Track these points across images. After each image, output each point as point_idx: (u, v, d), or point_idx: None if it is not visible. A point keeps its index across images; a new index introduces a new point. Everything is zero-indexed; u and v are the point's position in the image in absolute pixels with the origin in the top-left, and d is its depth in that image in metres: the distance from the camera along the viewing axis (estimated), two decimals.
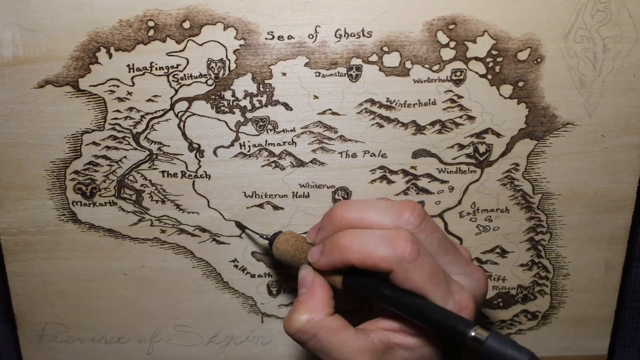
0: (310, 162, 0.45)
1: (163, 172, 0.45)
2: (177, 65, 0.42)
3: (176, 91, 0.43)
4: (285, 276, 0.49)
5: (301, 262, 0.41)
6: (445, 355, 0.38)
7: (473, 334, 0.33)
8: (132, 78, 0.42)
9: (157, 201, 0.46)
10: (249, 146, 0.44)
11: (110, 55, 0.42)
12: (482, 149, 0.45)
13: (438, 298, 0.36)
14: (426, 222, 0.37)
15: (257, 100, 0.43)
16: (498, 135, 0.44)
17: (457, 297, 0.37)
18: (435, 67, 0.43)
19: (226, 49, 0.42)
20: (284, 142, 0.44)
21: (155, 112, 0.43)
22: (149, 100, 0.43)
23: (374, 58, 0.42)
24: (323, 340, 0.37)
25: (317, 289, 0.39)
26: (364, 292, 0.38)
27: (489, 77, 0.43)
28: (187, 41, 0.41)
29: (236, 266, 0.48)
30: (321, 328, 0.37)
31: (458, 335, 0.34)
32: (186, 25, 0.41)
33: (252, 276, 0.49)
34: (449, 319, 0.35)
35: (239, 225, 0.47)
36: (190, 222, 0.47)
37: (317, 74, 0.42)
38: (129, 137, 0.44)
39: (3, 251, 0.47)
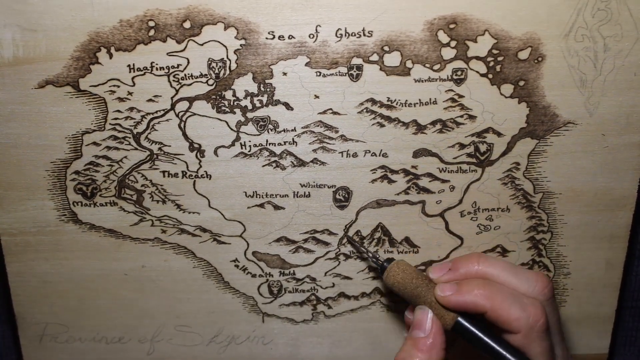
0: (311, 161, 0.45)
1: (164, 172, 0.45)
2: (178, 65, 0.42)
3: (177, 91, 0.43)
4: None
5: (415, 297, 0.41)
6: None
7: None
8: (132, 78, 0.42)
9: (157, 201, 0.46)
10: (250, 146, 0.44)
11: (111, 55, 0.41)
12: (482, 148, 0.45)
13: None
14: (554, 298, 0.40)
15: (257, 100, 0.43)
16: (499, 134, 0.44)
17: None
18: (436, 67, 0.42)
19: (227, 49, 0.42)
20: (285, 142, 0.44)
21: (156, 112, 0.43)
22: (150, 100, 0.43)
23: (375, 57, 0.42)
24: None
25: (437, 337, 0.39)
26: (473, 340, 0.39)
27: (490, 76, 0.43)
28: (188, 41, 0.41)
29: (237, 266, 0.48)
30: None
31: None
32: (187, 25, 0.41)
33: (253, 276, 0.49)
34: None
35: (350, 240, 0.47)
36: (191, 222, 0.47)
37: (318, 74, 0.42)
38: (130, 137, 0.44)
39: (3, 251, 0.47)
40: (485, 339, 0.39)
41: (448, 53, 0.42)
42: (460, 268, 0.41)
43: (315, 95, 0.43)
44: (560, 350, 0.41)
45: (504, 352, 0.38)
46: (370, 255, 0.46)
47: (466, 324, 0.39)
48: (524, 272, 0.40)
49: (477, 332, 0.39)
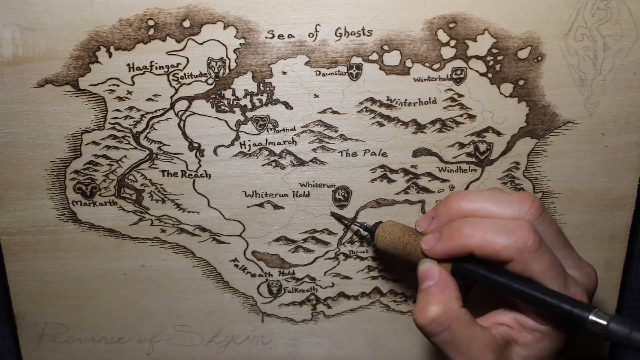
0: (311, 161, 0.45)
1: (163, 171, 0.45)
2: (177, 64, 0.42)
3: (176, 90, 0.43)
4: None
5: (411, 252, 0.40)
6: (561, 353, 0.38)
7: (594, 317, 0.33)
8: (132, 77, 0.42)
9: (157, 200, 0.46)
10: (249, 145, 0.44)
11: (110, 55, 0.41)
12: (482, 147, 0.45)
13: (555, 288, 0.36)
14: (545, 214, 0.38)
15: (257, 99, 0.43)
16: (498, 133, 0.44)
17: (573, 290, 0.37)
18: (436, 66, 0.42)
19: (226, 48, 0.42)
20: (284, 141, 0.44)
21: (156, 111, 0.43)
22: (149, 99, 0.43)
23: (375, 57, 0.42)
24: (456, 333, 0.36)
25: (447, 280, 0.38)
26: (476, 280, 0.38)
27: (490, 75, 0.43)
28: (187, 40, 0.41)
29: (236, 266, 0.48)
30: (456, 319, 0.37)
31: (578, 319, 0.34)
32: (186, 24, 0.41)
33: (253, 276, 0.49)
34: (569, 302, 0.34)
35: (333, 214, 0.46)
36: (191, 222, 0.47)
37: (318, 73, 0.42)
38: (129, 137, 0.44)
39: (3, 251, 0.47)
40: (486, 274, 0.37)
41: (448, 52, 0.42)
42: (442, 214, 0.40)
43: (314, 95, 0.43)
44: (571, 261, 0.39)
45: (507, 282, 0.36)
46: (357, 224, 0.46)
47: (462, 267, 0.38)
48: (506, 198, 0.38)
49: (475, 271, 0.38)
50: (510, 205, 0.38)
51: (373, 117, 0.44)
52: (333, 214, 0.47)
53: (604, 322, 0.33)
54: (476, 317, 0.39)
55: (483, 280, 0.37)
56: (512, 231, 0.36)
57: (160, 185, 0.45)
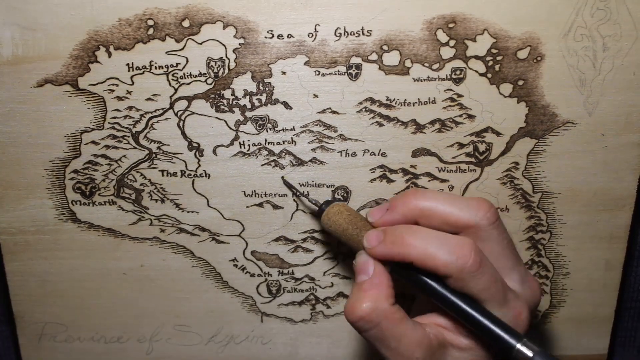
0: (310, 161, 0.45)
1: (162, 171, 0.45)
2: (177, 64, 0.42)
3: (176, 90, 0.43)
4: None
5: (352, 238, 0.40)
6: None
7: (520, 347, 0.33)
8: (131, 77, 0.42)
9: (156, 200, 0.46)
10: (249, 145, 0.44)
11: (110, 54, 0.41)
12: (482, 147, 0.45)
13: (493, 306, 0.36)
14: (499, 222, 0.38)
15: (256, 99, 0.43)
16: (498, 134, 0.44)
17: (512, 305, 0.37)
18: (435, 66, 0.42)
19: (226, 48, 0.42)
20: (284, 141, 0.44)
21: (155, 111, 0.43)
22: (149, 99, 0.43)
23: (374, 57, 0.42)
24: (385, 330, 0.37)
25: (381, 277, 0.38)
26: (413, 283, 0.38)
27: (489, 75, 0.43)
28: (187, 40, 0.41)
29: (236, 265, 0.48)
30: (385, 318, 0.37)
31: (505, 347, 0.34)
32: (185, 24, 0.41)
33: (252, 275, 0.49)
34: (498, 327, 0.35)
35: (286, 183, 0.45)
36: (190, 222, 0.47)
37: (317, 73, 0.42)
38: (129, 136, 0.44)
39: (2, 251, 0.47)
40: (425, 283, 0.37)
41: (447, 52, 0.42)
42: (398, 207, 0.39)
43: (314, 95, 0.43)
44: (515, 274, 0.39)
45: (446, 296, 0.36)
46: (308, 199, 0.45)
47: (400, 271, 0.38)
48: (463, 200, 0.38)
49: (413, 277, 0.38)
50: (467, 209, 0.38)
51: (372, 117, 0.44)
52: (285, 182, 0.46)
53: (530, 354, 0.33)
54: (417, 314, 0.39)
55: (420, 287, 0.37)
56: (454, 249, 0.36)
57: (160, 185, 0.45)
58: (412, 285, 0.38)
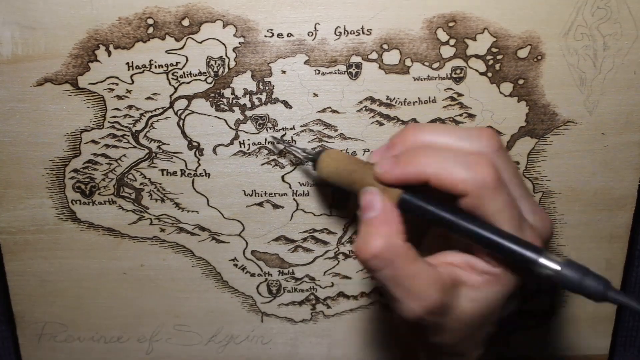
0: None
1: (162, 170, 0.45)
2: (177, 63, 0.42)
3: (175, 89, 0.43)
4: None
5: (353, 182, 0.37)
6: (511, 299, 0.36)
7: (544, 261, 0.31)
8: (131, 76, 0.42)
9: (156, 200, 0.46)
10: (249, 144, 0.44)
11: (110, 53, 0.41)
12: None
13: (509, 230, 0.34)
14: (504, 150, 0.36)
15: (256, 98, 0.43)
16: (498, 133, 0.44)
17: (528, 234, 0.35)
18: (435, 65, 0.42)
19: (225, 47, 0.42)
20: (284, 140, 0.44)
21: (155, 110, 0.43)
22: (148, 98, 0.43)
23: (374, 56, 0.42)
24: (399, 269, 0.34)
25: (391, 211, 0.35)
26: (423, 212, 0.35)
27: (489, 74, 0.43)
28: (187, 39, 0.41)
29: (236, 265, 0.48)
30: (398, 255, 0.34)
31: (528, 261, 0.32)
32: (185, 22, 0.41)
33: (252, 275, 0.49)
34: (519, 244, 0.32)
35: (275, 138, 0.44)
36: (190, 221, 0.47)
37: (317, 72, 0.42)
38: (128, 135, 0.44)
39: (2, 250, 0.47)
40: (433, 210, 0.35)
41: (447, 51, 0.42)
42: (398, 144, 0.37)
43: (314, 94, 0.43)
44: (526, 205, 0.37)
45: (455, 219, 0.34)
46: (299, 149, 0.43)
47: (410, 197, 0.35)
48: (464, 131, 0.36)
49: (423, 204, 0.35)
50: (470, 138, 0.35)
51: (372, 116, 0.44)
52: (273, 138, 0.44)
53: (556, 267, 0.31)
54: (425, 255, 0.36)
55: (431, 216, 0.35)
56: (472, 164, 0.33)
57: (160, 184, 0.45)
58: (423, 216, 0.35)
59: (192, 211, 0.46)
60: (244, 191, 0.46)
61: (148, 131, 0.44)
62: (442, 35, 0.42)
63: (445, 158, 0.34)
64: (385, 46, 0.42)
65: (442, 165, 0.34)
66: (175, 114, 0.43)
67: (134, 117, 0.43)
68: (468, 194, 0.33)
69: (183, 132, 0.44)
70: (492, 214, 0.34)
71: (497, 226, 0.34)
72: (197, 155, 0.44)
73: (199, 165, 0.45)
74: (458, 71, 0.43)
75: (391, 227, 0.35)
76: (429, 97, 0.43)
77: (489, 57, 0.42)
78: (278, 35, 0.41)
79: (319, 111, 0.44)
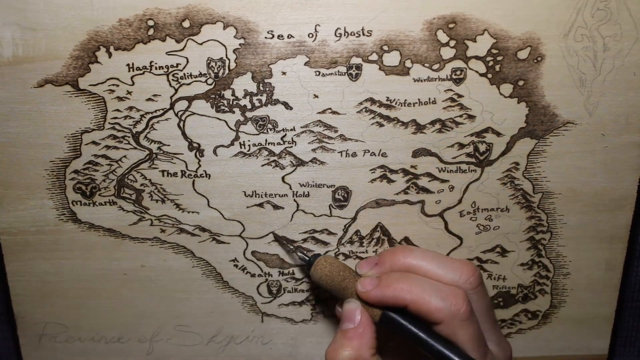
0: (310, 161, 0.45)
1: (163, 171, 0.45)
2: (177, 65, 0.42)
3: (176, 90, 0.43)
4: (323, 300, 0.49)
5: (342, 289, 0.42)
6: None
7: None
8: (131, 77, 0.42)
9: (157, 200, 0.46)
10: (249, 145, 0.44)
11: (110, 55, 0.41)
12: (482, 148, 0.45)
13: (474, 357, 0.38)
14: (481, 286, 0.41)
15: (257, 100, 0.43)
16: (498, 134, 0.44)
17: None
18: (435, 66, 0.42)
19: (226, 48, 0.42)
20: (284, 142, 0.44)
21: (155, 111, 0.43)
22: (149, 99, 0.43)
23: (374, 57, 0.42)
24: None
25: (366, 327, 0.40)
26: (401, 332, 0.39)
27: (489, 76, 0.43)
28: (187, 40, 0.41)
29: (236, 266, 0.48)
30: None
31: None
32: (186, 24, 0.41)
33: (252, 276, 0.49)
34: None
35: (277, 237, 0.47)
36: (190, 222, 0.47)
37: (317, 73, 0.42)
38: (129, 137, 0.44)
39: (3, 251, 0.47)
40: (413, 330, 0.39)
41: (447, 52, 0.42)
42: (386, 262, 0.42)
43: (314, 95, 0.43)
44: (493, 336, 0.42)
45: (432, 342, 0.38)
46: (297, 254, 0.46)
47: (392, 317, 0.40)
48: (449, 262, 0.41)
49: (403, 324, 0.39)
50: (453, 271, 0.40)
51: (373, 118, 0.44)
52: (275, 237, 0.47)
53: None
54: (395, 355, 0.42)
55: (408, 335, 0.39)
56: (448, 296, 0.38)
57: (160, 185, 0.45)
58: (400, 334, 0.40)
59: (193, 212, 0.46)
60: (245, 192, 0.46)
61: (148, 132, 0.44)
62: (442, 37, 0.42)
63: (424, 287, 0.39)
64: (385, 47, 0.42)
65: (421, 295, 0.38)
66: (176, 115, 0.43)
67: (134, 118, 0.43)
68: (443, 322, 0.38)
69: (183, 133, 0.44)
70: (462, 342, 0.38)
71: (465, 352, 0.38)
72: (198, 156, 0.44)
73: (200, 166, 0.45)
74: (458, 72, 0.43)
75: (363, 340, 0.39)
76: (429, 98, 0.43)
77: (489, 59, 0.42)
78: (278, 36, 0.41)
79: (319, 112, 0.44)
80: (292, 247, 0.47)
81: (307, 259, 0.44)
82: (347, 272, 0.42)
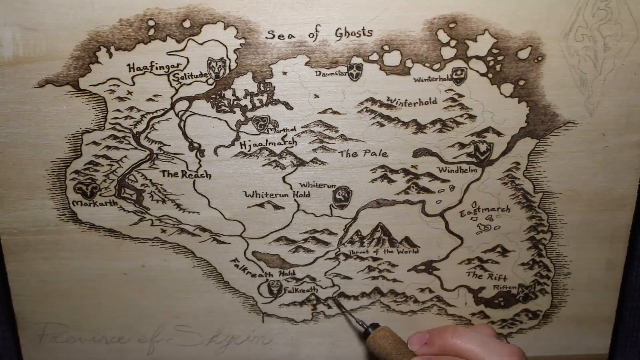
0: (311, 161, 0.45)
1: (163, 171, 0.45)
2: (178, 65, 0.42)
3: (176, 90, 0.43)
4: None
5: None
6: None
7: None
8: (132, 77, 0.42)
9: (157, 201, 0.46)
10: (250, 145, 0.44)
11: (111, 55, 0.41)
12: (482, 147, 0.45)
13: None
14: None
15: (257, 100, 0.43)
16: (499, 134, 0.44)
17: None
18: (436, 66, 0.42)
19: (226, 48, 0.42)
20: (285, 142, 0.44)
21: (156, 111, 0.43)
22: (150, 99, 0.43)
23: (375, 57, 0.42)
24: None
25: None
26: None
27: (490, 75, 0.43)
28: (188, 40, 0.41)
29: (237, 266, 0.48)
30: None
31: None
32: (186, 24, 0.41)
33: (253, 276, 0.49)
34: None
35: (337, 303, 0.49)
36: (191, 222, 0.47)
37: (318, 73, 0.42)
38: (130, 137, 0.44)
39: (3, 251, 0.47)
40: None
41: (448, 52, 0.42)
42: (436, 342, 0.44)
43: (315, 95, 0.43)
44: None
45: None
46: (356, 319, 0.48)
47: None
48: (496, 346, 0.42)
49: None
50: (499, 356, 0.41)
51: (373, 117, 0.44)
52: (335, 301, 0.49)
53: None
54: None
55: None
56: None
57: (161, 185, 0.45)
58: None
59: (193, 212, 0.46)
60: (245, 192, 0.46)
61: (149, 132, 0.44)
62: (443, 37, 0.42)
63: None
64: (386, 47, 0.42)
65: None
66: (177, 115, 0.43)
67: (135, 118, 0.43)
68: None
69: (184, 134, 0.44)
70: None
71: None
72: (198, 156, 0.44)
73: (200, 166, 0.45)
74: (459, 72, 0.43)
75: None
76: (430, 98, 0.43)
77: (489, 58, 0.42)
78: (279, 36, 0.41)
79: (319, 112, 0.44)
80: (352, 315, 0.49)
81: (366, 327, 0.46)
82: (402, 347, 0.45)
